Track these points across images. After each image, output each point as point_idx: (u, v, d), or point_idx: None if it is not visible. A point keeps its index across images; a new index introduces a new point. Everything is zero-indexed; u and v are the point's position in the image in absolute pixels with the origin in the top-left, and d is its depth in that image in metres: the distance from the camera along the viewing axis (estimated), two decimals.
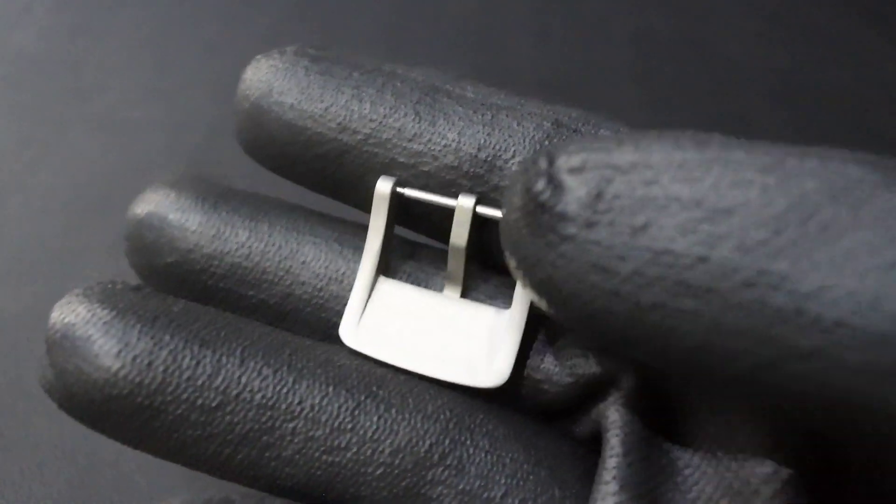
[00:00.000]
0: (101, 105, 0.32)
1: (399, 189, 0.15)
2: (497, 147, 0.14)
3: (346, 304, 0.15)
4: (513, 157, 0.14)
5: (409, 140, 0.15)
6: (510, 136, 0.14)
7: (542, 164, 0.11)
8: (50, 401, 0.13)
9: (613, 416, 0.13)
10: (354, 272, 0.15)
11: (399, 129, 0.15)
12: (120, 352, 0.13)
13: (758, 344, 0.09)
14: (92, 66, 0.33)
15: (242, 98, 0.16)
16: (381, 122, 0.15)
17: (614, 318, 0.10)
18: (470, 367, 0.14)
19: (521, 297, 0.14)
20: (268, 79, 0.15)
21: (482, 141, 0.14)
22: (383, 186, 0.15)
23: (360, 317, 0.15)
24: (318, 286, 0.15)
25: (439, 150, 0.14)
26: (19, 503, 0.22)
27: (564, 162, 0.11)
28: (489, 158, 0.14)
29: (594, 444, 0.14)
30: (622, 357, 0.14)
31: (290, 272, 0.15)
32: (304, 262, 0.15)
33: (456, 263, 0.14)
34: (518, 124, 0.14)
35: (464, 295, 0.15)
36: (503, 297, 0.15)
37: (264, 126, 0.15)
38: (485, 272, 0.15)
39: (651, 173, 0.10)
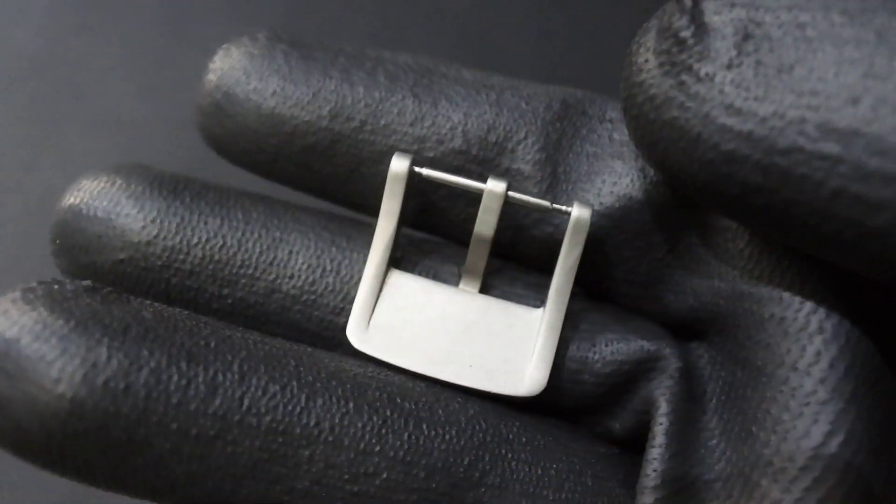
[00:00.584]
0: (100, 105, 0.32)
1: (416, 169, 0.13)
2: (507, 128, 0.13)
3: (344, 299, 0.13)
4: (524, 138, 0.13)
5: (411, 124, 0.13)
6: (520, 117, 0.13)
7: (687, 1, 0.10)
8: None
9: (660, 404, 0.12)
10: (352, 262, 0.13)
11: (398, 113, 0.13)
12: (87, 375, 0.10)
13: None
14: (91, 65, 0.33)
15: (213, 89, 0.14)
16: (377, 107, 0.13)
17: (742, 164, 0.10)
18: (502, 373, 0.13)
19: (558, 294, 0.13)
20: (243, 66, 0.14)
21: (491, 122, 0.13)
22: (399, 165, 0.13)
23: (371, 315, 0.13)
24: (310, 279, 0.13)
25: (444, 134, 0.13)
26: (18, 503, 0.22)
27: (711, 2, 0.10)
28: (499, 140, 0.13)
29: (630, 440, 0.13)
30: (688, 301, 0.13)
31: (274, 263, 0.13)
32: (290, 252, 0.13)
33: (478, 256, 0.13)
34: (526, 104, 0.13)
35: (482, 291, 0.13)
36: (527, 295, 0.14)
37: (240, 118, 0.14)
38: (506, 267, 0.14)
39: (807, 16, 0.10)
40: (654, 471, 0.12)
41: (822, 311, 0.11)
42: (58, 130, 0.31)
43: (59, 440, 0.10)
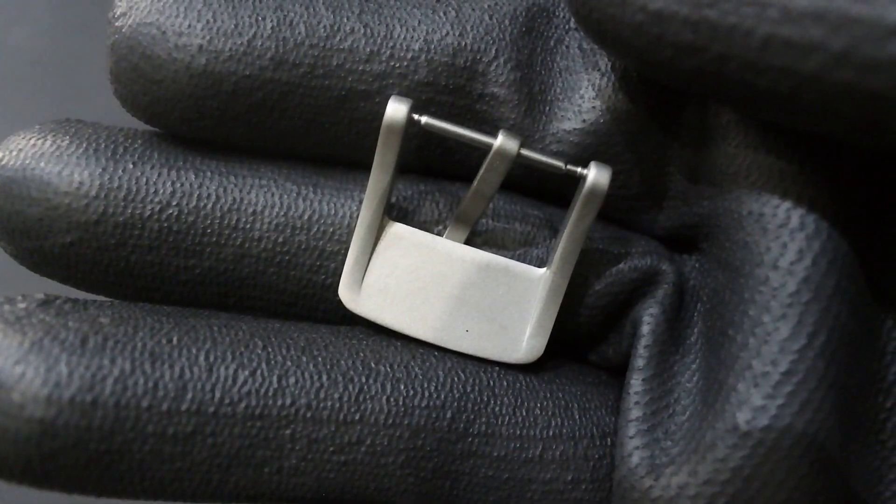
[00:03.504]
0: (100, 104, 0.32)
1: (416, 116, 0.12)
2: (475, 48, 0.12)
3: (321, 256, 0.12)
4: (495, 57, 0.12)
5: (366, 61, 0.12)
6: (486, 33, 0.12)
7: None
8: None
9: (642, 326, 0.12)
10: (323, 216, 0.12)
11: (350, 50, 0.12)
12: (51, 395, 0.10)
13: (832, 31, 0.08)
14: (91, 64, 0.33)
15: (126, 51, 0.12)
16: (325, 46, 0.12)
17: (671, 22, 0.09)
18: (499, 339, 0.12)
19: (565, 260, 0.12)
20: (155, 20, 0.12)
21: (456, 44, 0.12)
22: (396, 111, 0.12)
23: (364, 273, 0.12)
24: (280, 239, 0.12)
25: (407, 66, 0.12)
26: (18, 503, 0.22)
27: None
28: (468, 64, 0.12)
29: (625, 364, 0.13)
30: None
31: (238, 228, 0.12)
32: (254, 213, 0.12)
33: (473, 208, 0.12)
34: (490, 17, 0.12)
35: (469, 241, 0.13)
36: (523, 247, 0.13)
37: (167, 82, 0.12)
38: (501, 210, 0.13)
39: None
40: (636, 392, 0.12)
41: (803, 207, 0.11)
42: None
43: (38, 462, 0.10)
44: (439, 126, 0.12)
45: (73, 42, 0.34)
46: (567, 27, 0.13)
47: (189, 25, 0.12)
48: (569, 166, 0.12)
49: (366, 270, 0.12)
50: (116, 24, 0.12)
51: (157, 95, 0.12)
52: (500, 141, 0.12)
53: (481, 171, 0.12)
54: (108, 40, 0.12)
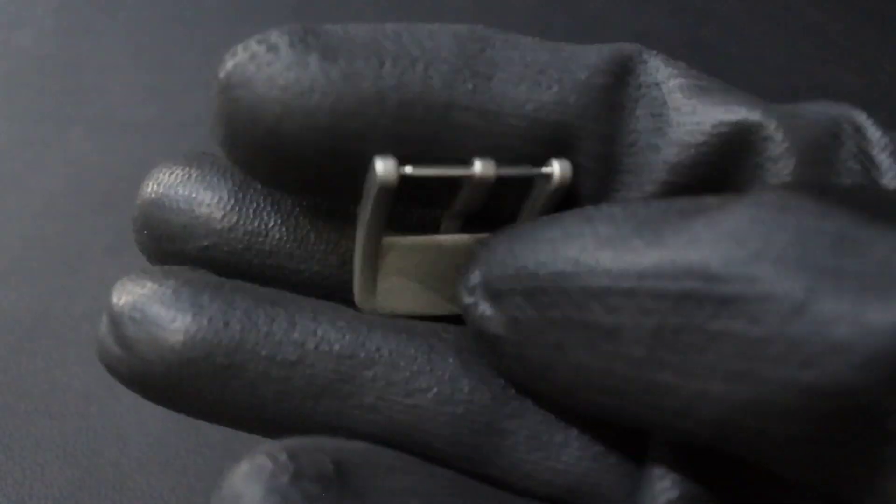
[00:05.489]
0: (101, 105, 0.32)
1: (401, 170, 0.12)
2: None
3: None
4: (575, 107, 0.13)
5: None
6: (566, 94, 0.14)
7: None
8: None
9: None
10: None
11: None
12: (195, 315, 0.13)
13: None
14: (92, 66, 0.33)
15: (258, 126, 0.12)
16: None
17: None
18: None
19: None
20: (280, 97, 0.11)
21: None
22: (383, 168, 0.12)
23: (375, 284, 0.14)
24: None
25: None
26: (20, 502, 0.22)
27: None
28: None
29: None
30: None
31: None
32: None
33: (454, 226, 0.14)
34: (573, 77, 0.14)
35: (465, 228, 0.14)
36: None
37: (287, 156, 0.12)
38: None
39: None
40: None
41: None
42: (58, 130, 0.31)
43: (176, 368, 0.12)
44: (423, 173, 0.12)
45: (76, 44, 0.34)
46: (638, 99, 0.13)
47: (313, 105, 0.12)
48: (537, 170, 0.13)
49: (376, 281, 0.14)
50: (243, 102, 0.12)
51: (276, 169, 0.13)
52: (478, 166, 0.12)
53: (464, 195, 0.13)
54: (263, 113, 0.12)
